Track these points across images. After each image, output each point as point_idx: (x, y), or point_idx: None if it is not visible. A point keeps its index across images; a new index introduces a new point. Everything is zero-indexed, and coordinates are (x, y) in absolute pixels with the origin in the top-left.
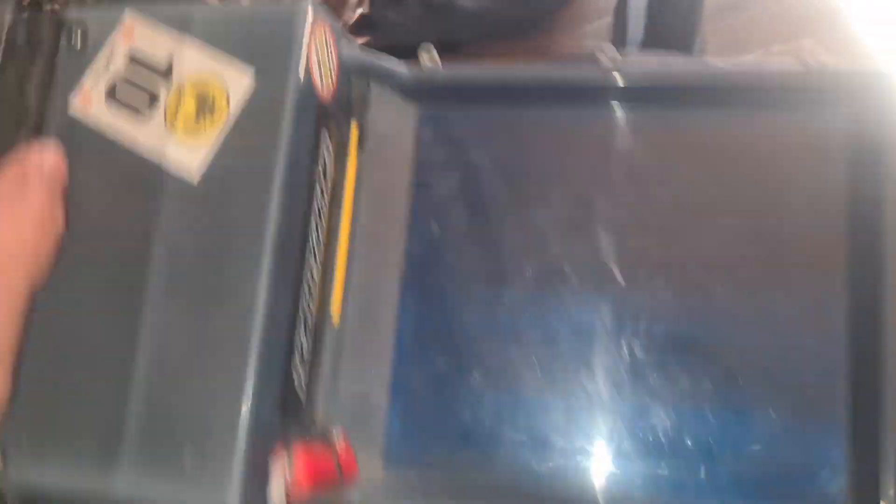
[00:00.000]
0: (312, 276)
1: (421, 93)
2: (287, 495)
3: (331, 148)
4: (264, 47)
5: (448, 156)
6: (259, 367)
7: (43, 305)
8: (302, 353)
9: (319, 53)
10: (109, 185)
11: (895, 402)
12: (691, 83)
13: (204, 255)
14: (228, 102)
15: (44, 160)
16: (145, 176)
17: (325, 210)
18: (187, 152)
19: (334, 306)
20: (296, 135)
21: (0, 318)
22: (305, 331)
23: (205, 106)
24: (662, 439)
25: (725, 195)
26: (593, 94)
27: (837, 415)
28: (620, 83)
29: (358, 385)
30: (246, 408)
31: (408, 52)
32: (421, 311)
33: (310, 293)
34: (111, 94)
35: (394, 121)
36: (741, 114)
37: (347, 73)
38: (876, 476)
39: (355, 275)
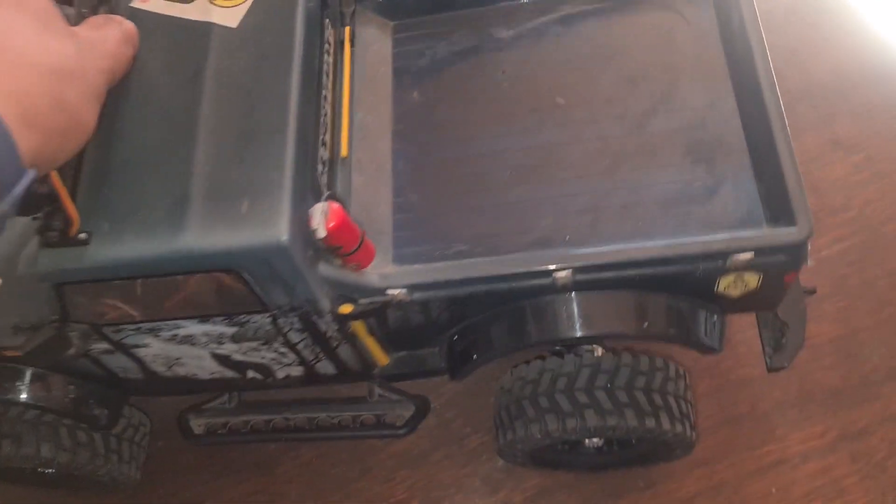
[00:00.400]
0: (325, 115)
1: (393, 7)
2: (324, 227)
3: (331, 39)
4: None
5: (416, 48)
6: (296, 142)
7: (118, 110)
8: (323, 164)
9: None
10: (168, 39)
11: (784, 139)
12: None
13: (246, 71)
14: None
15: (123, 20)
16: (195, 30)
17: (330, 75)
18: (227, 13)
19: (343, 143)
20: (308, 3)
21: (93, 70)
22: (324, 147)
23: None
24: (614, 202)
25: (634, 38)
26: None
27: (742, 159)
28: None
29: (368, 203)
30: (289, 166)
31: None
32: (409, 151)
33: (325, 123)
34: None
35: (375, 29)
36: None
37: None
38: (782, 191)
39: (356, 129)
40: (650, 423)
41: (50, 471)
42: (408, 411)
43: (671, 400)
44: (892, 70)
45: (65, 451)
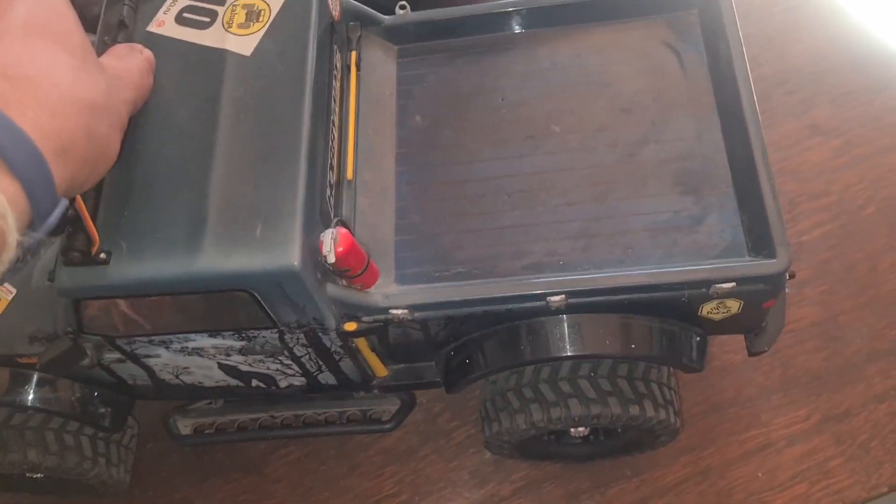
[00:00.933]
0: (333, 139)
1: (398, 32)
2: (333, 253)
3: (338, 64)
4: None
5: (420, 73)
6: (307, 168)
7: (136, 134)
8: (331, 187)
9: None
10: (184, 64)
11: (766, 174)
12: (590, 1)
13: (260, 98)
14: (270, 10)
15: (143, 48)
16: (210, 56)
17: (338, 99)
18: (241, 41)
19: (349, 166)
20: (318, 28)
21: (120, 101)
22: (331, 170)
23: (252, 15)
24: (605, 228)
25: (627, 69)
26: (514, 19)
27: (727, 191)
28: (538, 8)
29: (372, 224)
30: (301, 192)
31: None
32: (411, 173)
33: (332, 148)
34: (179, 18)
35: (380, 53)
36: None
37: (347, 14)
38: (763, 224)
39: (361, 151)
40: (634, 410)
41: (38, 476)
42: (393, 406)
43: (654, 387)
44: (869, 55)
45: (52, 455)
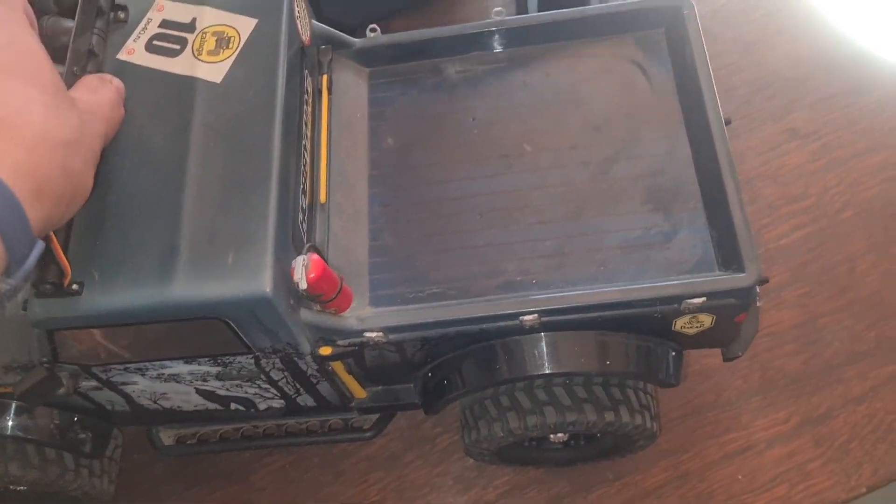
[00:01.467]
0: (305, 163)
1: (369, 55)
2: (305, 279)
3: (309, 88)
4: (263, 7)
5: (391, 94)
6: (278, 194)
7: (107, 163)
8: (303, 211)
9: (300, 12)
10: (154, 92)
11: (734, 189)
12: (559, 21)
13: (230, 125)
14: (240, 37)
15: (113, 78)
16: (181, 84)
17: (309, 123)
18: (211, 68)
19: (321, 189)
20: (287, 53)
21: (93, 136)
22: (303, 195)
23: (222, 42)
24: (578, 246)
25: (597, 87)
26: (484, 39)
27: (696, 206)
28: (507, 28)
29: (346, 247)
30: (272, 218)
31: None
32: (384, 195)
33: (304, 172)
34: (149, 46)
35: (352, 75)
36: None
37: (318, 38)
38: (732, 239)
39: (334, 174)
40: (609, 416)
41: (21, 488)
42: (374, 414)
43: (630, 392)
44: (846, 59)
45: (33, 468)
